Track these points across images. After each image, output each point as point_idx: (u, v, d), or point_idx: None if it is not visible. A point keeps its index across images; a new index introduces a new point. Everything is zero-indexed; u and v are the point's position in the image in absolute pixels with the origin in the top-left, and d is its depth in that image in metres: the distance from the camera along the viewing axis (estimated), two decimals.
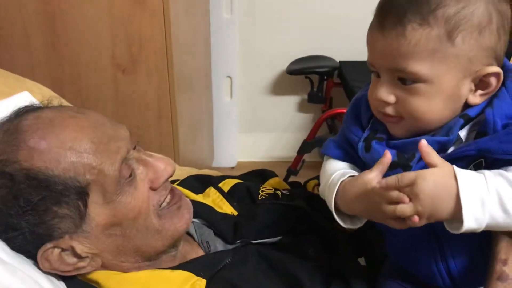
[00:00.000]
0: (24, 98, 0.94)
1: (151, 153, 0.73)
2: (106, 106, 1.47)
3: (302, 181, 1.07)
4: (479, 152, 0.59)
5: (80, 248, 0.65)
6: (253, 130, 2.49)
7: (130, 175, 0.67)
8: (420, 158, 0.62)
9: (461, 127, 0.63)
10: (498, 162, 0.59)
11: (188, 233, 0.81)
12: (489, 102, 0.63)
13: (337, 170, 0.72)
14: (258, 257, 0.75)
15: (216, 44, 2.20)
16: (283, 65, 2.22)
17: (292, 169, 2.17)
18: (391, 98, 0.63)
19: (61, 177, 0.62)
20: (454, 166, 0.58)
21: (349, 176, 0.69)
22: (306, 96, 2.26)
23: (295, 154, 2.17)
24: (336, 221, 0.90)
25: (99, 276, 0.68)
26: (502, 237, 0.62)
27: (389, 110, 0.65)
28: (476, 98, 0.63)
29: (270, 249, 0.79)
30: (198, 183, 0.96)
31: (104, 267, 0.68)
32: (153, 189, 0.69)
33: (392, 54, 0.61)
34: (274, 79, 2.37)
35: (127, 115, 1.48)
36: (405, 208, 0.58)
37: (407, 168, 0.64)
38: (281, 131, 2.48)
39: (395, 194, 0.59)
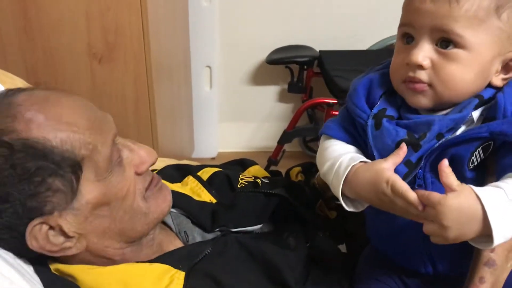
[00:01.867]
0: None
1: (134, 140, 0.74)
2: (82, 96, 1.39)
3: (282, 171, 1.06)
4: (491, 134, 0.61)
5: (67, 227, 0.64)
6: (233, 120, 2.47)
7: (119, 157, 0.68)
8: (432, 138, 0.63)
9: (475, 108, 0.65)
10: (506, 145, 0.61)
11: (165, 224, 0.80)
12: (500, 89, 0.65)
13: (344, 153, 0.71)
14: (238, 247, 0.75)
15: (195, 33, 2.17)
16: (263, 54, 2.21)
17: (273, 159, 2.17)
18: (427, 62, 0.63)
19: (59, 149, 0.62)
20: (472, 187, 0.58)
21: (360, 161, 0.68)
22: (286, 86, 2.26)
23: (275, 144, 2.17)
24: (318, 209, 0.91)
25: (75, 270, 0.67)
26: None
27: (421, 75, 0.64)
28: (498, 80, 0.65)
29: (249, 238, 0.78)
30: (177, 172, 0.95)
31: (88, 250, 0.68)
32: (138, 174, 0.70)
33: (440, 15, 0.62)
34: (254, 68, 2.36)
35: (103, 104, 1.45)
36: (434, 232, 0.58)
37: (417, 147, 0.64)
38: (261, 121, 2.47)
39: (413, 211, 0.59)
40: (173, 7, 1.78)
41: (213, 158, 2.46)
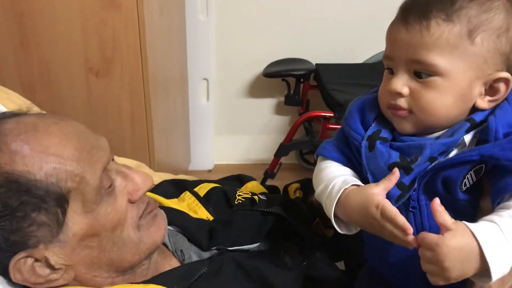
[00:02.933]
0: None
1: (129, 166, 0.72)
2: (79, 110, 1.43)
3: (279, 183, 1.06)
4: (482, 158, 0.61)
5: (54, 259, 0.62)
6: (230, 132, 2.47)
7: (110, 186, 0.66)
8: (423, 162, 0.64)
9: (467, 131, 0.65)
10: (498, 168, 0.61)
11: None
12: (492, 112, 0.65)
13: (339, 175, 0.71)
14: (234, 266, 0.74)
15: (192, 47, 2.18)
16: (260, 67, 2.22)
17: (269, 172, 2.17)
18: (405, 90, 0.65)
19: (43, 182, 0.60)
20: (466, 223, 0.58)
21: (352, 185, 0.68)
22: (283, 99, 2.26)
23: (272, 157, 2.16)
24: (315, 227, 0.90)
25: None
26: None
27: (401, 102, 0.66)
28: (484, 103, 0.65)
29: (246, 257, 0.77)
30: (173, 187, 0.95)
31: (76, 280, 0.66)
32: (131, 201, 0.68)
33: (413, 46, 0.63)
34: (250, 81, 2.36)
35: (100, 119, 1.45)
36: (434, 272, 0.58)
37: (408, 170, 0.65)
38: (258, 133, 2.47)
39: (401, 236, 0.59)
40: (170, 21, 1.79)
41: (209, 171, 2.45)
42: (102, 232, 0.65)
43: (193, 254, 0.79)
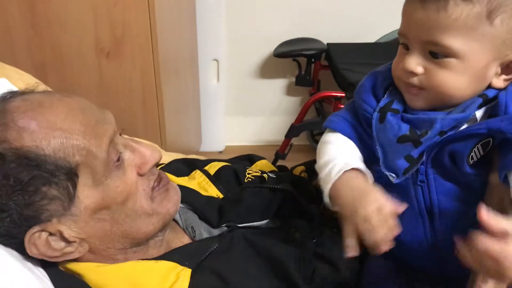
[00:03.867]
0: (1, 85, 0.91)
1: (137, 139, 0.73)
2: (90, 91, 1.44)
3: (289, 165, 1.06)
4: (489, 131, 0.61)
5: (68, 232, 0.64)
6: (240, 113, 2.47)
7: (118, 160, 0.67)
8: (433, 136, 0.63)
9: (479, 107, 0.64)
10: (506, 142, 0.61)
11: (173, 219, 0.81)
12: (504, 87, 0.64)
13: (341, 153, 0.71)
14: (244, 243, 0.75)
15: (202, 27, 2.16)
16: (271, 48, 2.20)
17: (280, 153, 2.17)
18: (419, 69, 0.64)
19: (52, 157, 0.61)
20: None
21: (352, 168, 0.67)
22: (293, 79, 2.25)
23: (283, 138, 2.16)
24: (323, 205, 0.91)
25: (82, 268, 0.67)
26: None
27: (414, 80, 0.65)
28: (500, 82, 0.64)
29: (256, 234, 0.78)
30: (184, 166, 0.96)
31: (91, 252, 0.68)
32: (140, 175, 0.69)
33: (429, 26, 0.61)
34: (261, 62, 2.35)
35: (111, 99, 1.45)
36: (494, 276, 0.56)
37: (417, 144, 0.64)
38: (269, 114, 2.47)
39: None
40: (180, 1, 1.78)
41: (220, 152, 2.46)
42: (113, 205, 0.66)
43: (204, 231, 0.80)
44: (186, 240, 0.79)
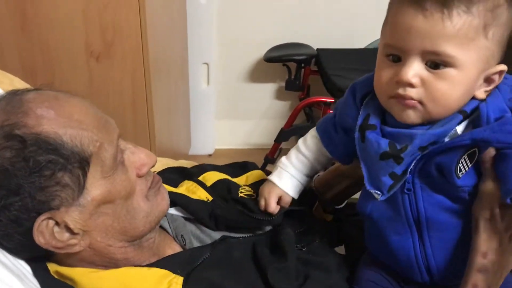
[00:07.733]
0: None
1: (134, 144, 0.75)
2: (80, 94, 1.43)
3: None
4: (473, 141, 0.62)
5: (73, 223, 0.65)
6: (230, 117, 2.47)
7: (121, 157, 0.70)
8: (413, 151, 0.64)
9: (459, 123, 0.65)
10: (500, 157, 0.61)
11: (162, 227, 0.81)
12: (484, 100, 0.65)
13: (293, 169, 0.83)
14: (236, 251, 0.75)
15: (192, 31, 2.16)
16: (261, 52, 2.21)
17: (270, 157, 2.18)
18: (416, 80, 0.62)
19: (68, 144, 0.63)
20: None
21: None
22: (283, 84, 2.26)
23: (272, 141, 2.17)
24: (315, 211, 0.92)
25: (75, 273, 0.67)
26: (483, 230, 0.64)
27: (412, 93, 0.63)
28: (481, 93, 0.65)
29: (247, 242, 0.78)
30: (176, 175, 0.95)
31: (91, 248, 0.68)
32: (139, 176, 0.72)
33: (432, 36, 0.60)
34: (251, 66, 2.36)
35: (101, 102, 1.45)
36: None
37: (398, 159, 0.64)
38: (259, 118, 2.47)
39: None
40: (171, 4, 1.78)
41: (210, 155, 2.46)
42: (117, 199, 0.68)
43: (194, 239, 0.80)
44: (176, 247, 0.79)
